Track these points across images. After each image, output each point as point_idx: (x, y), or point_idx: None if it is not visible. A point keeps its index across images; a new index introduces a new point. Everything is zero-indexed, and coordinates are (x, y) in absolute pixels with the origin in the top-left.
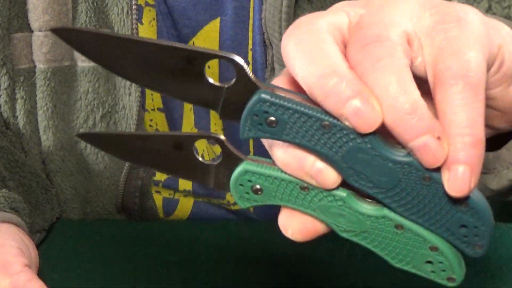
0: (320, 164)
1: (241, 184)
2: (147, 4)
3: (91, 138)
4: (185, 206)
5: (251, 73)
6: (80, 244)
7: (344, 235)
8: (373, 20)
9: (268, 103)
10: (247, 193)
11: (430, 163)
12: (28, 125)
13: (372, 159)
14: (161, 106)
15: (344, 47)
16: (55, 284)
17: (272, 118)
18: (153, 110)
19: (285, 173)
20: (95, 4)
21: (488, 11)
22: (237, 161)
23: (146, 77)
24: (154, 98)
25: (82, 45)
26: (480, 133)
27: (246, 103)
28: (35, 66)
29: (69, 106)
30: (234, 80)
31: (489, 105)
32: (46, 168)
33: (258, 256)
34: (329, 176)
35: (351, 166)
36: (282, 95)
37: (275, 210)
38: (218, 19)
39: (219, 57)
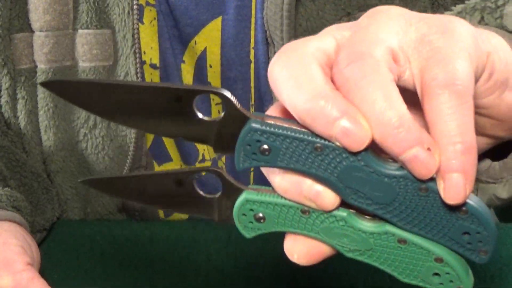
0: (317, 187)
1: (244, 214)
2: (147, 3)
3: (94, 183)
4: None
5: (239, 105)
6: (80, 244)
7: (350, 255)
8: (357, 39)
9: (259, 132)
10: (251, 222)
11: (422, 174)
12: (29, 125)
13: (368, 176)
14: None
15: (331, 70)
16: (55, 284)
17: (265, 146)
18: None
19: (285, 198)
20: (96, 4)
21: (481, 22)
22: (238, 191)
23: (137, 119)
24: None
25: (71, 95)
26: (471, 140)
27: (238, 134)
28: (36, 66)
29: (70, 106)
30: (223, 113)
31: (485, 114)
32: (47, 168)
33: (258, 256)
34: (328, 197)
35: (347, 186)
36: (272, 122)
37: None
38: (220, 18)
39: (207, 92)
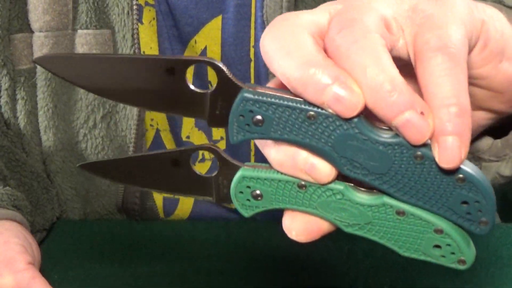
0: (312, 159)
1: (241, 192)
2: (147, 3)
3: (92, 167)
4: (185, 205)
5: (231, 75)
6: (80, 244)
7: (349, 230)
8: (349, 7)
9: (251, 101)
10: (248, 200)
11: (416, 139)
12: (28, 125)
13: (362, 144)
14: None
15: (323, 41)
16: (55, 284)
17: (258, 117)
18: None
19: (281, 173)
20: (96, 5)
21: None
22: (234, 169)
23: (129, 94)
24: None
25: (63, 70)
26: (465, 102)
27: (231, 106)
28: (35, 67)
29: (70, 106)
30: (216, 84)
31: (482, 85)
32: (47, 169)
33: (258, 256)
34: (323, 170)
35: (343, 155)
36: (265, 92)
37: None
38: (219, 17)
39: (198, 62)
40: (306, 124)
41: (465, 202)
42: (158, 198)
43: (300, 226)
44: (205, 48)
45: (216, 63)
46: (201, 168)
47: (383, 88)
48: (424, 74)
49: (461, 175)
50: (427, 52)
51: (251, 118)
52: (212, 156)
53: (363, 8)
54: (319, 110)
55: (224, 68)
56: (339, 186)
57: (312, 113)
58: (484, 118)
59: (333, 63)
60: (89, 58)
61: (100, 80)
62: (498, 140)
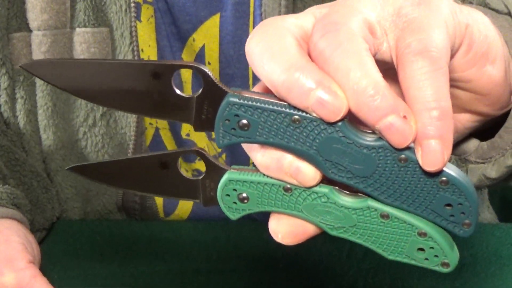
0: (298, 163)
1: (227, 194)
2: (145, 1)
3: (81, 170)
4: (185, 205)
5: (217, 79)
6: (80, 244)
7: (334, 233)
8: (333, 11)
9: (237, 106)
10: (235, 202)
11: (399, 143)
12: (28, 124)
13: (346, 148)
14: None
15: (308, 44)
16: (55, 284)
17: (244, 121)
18: None
19: (268, 177)
20: (94, 3)
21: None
22: (221, 172)
23: (116, 99)
24: None
25: (50, 76)
26: (446, 105)
27: (217, 110)
28: None
29: (69, 105)
30: (201, 89)
31: (466, 88)
32: (47, 167)
33: (258, 256)
34: (308, 173)
35: (327, 159)
36: (250, 96)
37: None
38: (218, 15)
39: (184, 67)
40: (291, 128)
41: (448, 205)
42: (158, 197)
43: (286, 229)
44: (203, 46)
45: (202, 67)
46: (201, 166)
47: (366, 93)
48: (406, 78)
49: (444, 178)
50: (408, 56)
51: (236, 122)
52: (213, 154)
53: (348, 12)
54: (304, 114)
55: (209, 73)
56: (324, 189)
57: (296, 117)
58: (469, 120)
59: (316, 67)
60: (75, 63)
61: (87, 85)
62: (484, 142)
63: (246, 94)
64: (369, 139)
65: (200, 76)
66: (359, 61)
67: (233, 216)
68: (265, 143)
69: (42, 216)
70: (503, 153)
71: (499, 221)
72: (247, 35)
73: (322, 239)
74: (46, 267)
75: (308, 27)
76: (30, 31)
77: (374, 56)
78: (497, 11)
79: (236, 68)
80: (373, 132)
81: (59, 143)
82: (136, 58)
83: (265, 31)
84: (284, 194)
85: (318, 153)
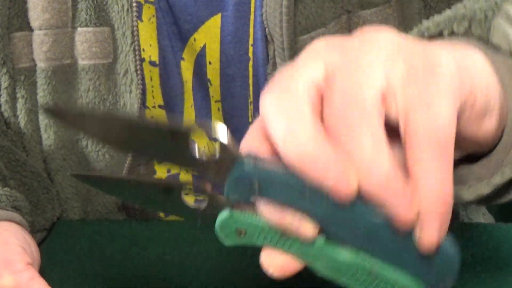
0: (299, 219)
1: (226, 225)
2: (146, 1)
3: (84, 178)
4: None
5: (233, 144)
6: (80, 244)
7: (320, 274)
8: (348, 77)
9: (250, 174)
10: (232, 233)
11: (402, 225)
12: (29, 124)
13: (352, 220)
14: (162, 103)
15: (321, 103)
16: (55, 284)
17: (255, 187)
18: (154, 107)
19: (267, 221)
20: (95, 2)
21: (468, 31)
22: (222, 205)
23: (139, 152)
24: (154, 95)
25: (70, 122)
26: (449, 193)
27: (228, 175)
28: (35, 65)
29: (71, 104)
30: (218, 155)
31: (461, 140)
32: (47, 167)
33: (257, 256)
34: (308, 230)
35: (332, 225)
36: (263, 166)
37: None
38: (219, 15)
39: (204, 128)
40: (301, 197)
41: (435, 266)
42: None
43: (277, 265)
44: (204, 46)
45: (221, 139)
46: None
47: (379, 181)
48: (414, 164)
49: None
50: (415, 137)
51: (249, 185)
52: (211, 154)
53: (361, 80)
54: (314, 188)
55: (227, 141)
56: (320, 241)
57: (307, 190)
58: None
59: (331, 148)
60: (97, 114)
61: (106, 135)
62: (463, 167)
63: (259, 162)
64: (375, 213)
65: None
66: (375, 145)
67: (228, 243)
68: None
69: (43, 216)
70: (479, 180)
71: (499, 221)
72: (247, 35)
73: None
74: (46, 267)
75: (319, 80)
76: (31, 30)
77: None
78: (498, 47)
79: (237, 68)
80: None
81: (60, 142)
82: (137, 57)
83: (281, 95)
84: (280, 238)
85: (323, 219)
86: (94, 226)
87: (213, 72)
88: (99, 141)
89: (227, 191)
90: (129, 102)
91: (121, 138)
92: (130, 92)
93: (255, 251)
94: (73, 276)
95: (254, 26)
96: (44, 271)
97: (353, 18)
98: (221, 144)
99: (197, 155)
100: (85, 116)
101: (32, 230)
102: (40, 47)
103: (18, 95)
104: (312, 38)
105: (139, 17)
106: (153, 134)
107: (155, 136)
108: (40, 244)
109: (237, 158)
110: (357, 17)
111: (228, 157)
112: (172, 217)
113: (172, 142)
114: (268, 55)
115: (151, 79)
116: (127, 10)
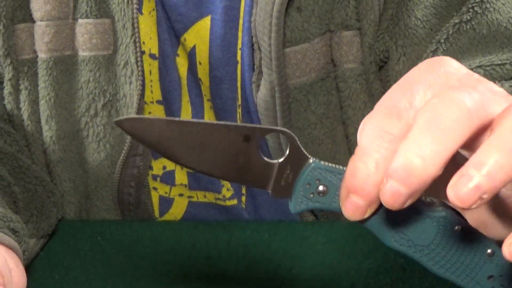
0: None
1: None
2: None
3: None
4: (180, 205)
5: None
6: (81, 244)
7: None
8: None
9: (320, 169)
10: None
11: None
12: (32, 115)
13: (411, 217)
14: (160, 98)
15: None
16: (55, 284)
17: (322, 188)
18: (152, 102)
19: None
20: None
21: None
22: (304, 160)
23: (203, 160)
24: (153, 90)
25: (143, 134)
26: None
27: (296, 177)
28: (37, 56)
29: (71, 95)
30: (285, 155)
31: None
32: (47, 159)
33: (258, 256)
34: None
35: (392, 228)
36: (331, 165)
37: (265, 210)
38: (209, 17)
39: (274, 131)
40: None
41: (491, 276)
42: (155, 195)
43: None
44: (194, 46)
45: (290, 133)
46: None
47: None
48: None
49: (489, 250)
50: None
51: (316, 186)
52: None
53: None
54: None
55: (296, 139)
56: None
57: None
58: None
59: None
60: (167, 121)
61: (175, 145)
62: None
63: (326, 164)
64: (433, 209)
65: (288, 141)
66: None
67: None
68: (337, 210)
69: (47, 222)
70: None
71: None
72: (236, 39)
73: (322, 239)
74: (46, 268)
75: None
76: (33, 21)
77: None
78: None
79: (225, 71)
80: (433, 202)
81: (61, 133)
82: (138, 49)
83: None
84: None
85: (384, 223)
86: (95, 227)
87: (203, 72)
88: (167, 154)
89: (296, 192)
90: (129, 93)
91: (191, 145)
92: (130, 83)
93: (255, 252)
94: (74, 276)
95: (242, 31)
96: (45, 271)
97: (334, 38)
98: (292, 145)
99: (263, 157)
100: (155, 125)
101: (36, 237)
102: (42, 38)
103: (22, 86)
104: (296, 52)
105: (140, 10)
106: (228, 136)
107: (230, 139)
108: (41, 245)
109: (306, 158)
110: (338, 37)
111: (296, 158)
112: (166, 216)
113: (244, 144)
114: (254, 63)
115: (150, 73)
116: (128, 2)
